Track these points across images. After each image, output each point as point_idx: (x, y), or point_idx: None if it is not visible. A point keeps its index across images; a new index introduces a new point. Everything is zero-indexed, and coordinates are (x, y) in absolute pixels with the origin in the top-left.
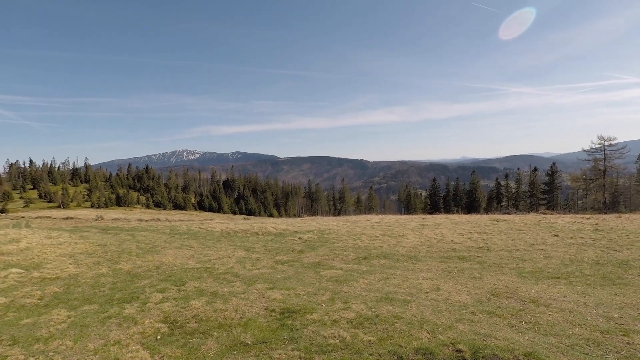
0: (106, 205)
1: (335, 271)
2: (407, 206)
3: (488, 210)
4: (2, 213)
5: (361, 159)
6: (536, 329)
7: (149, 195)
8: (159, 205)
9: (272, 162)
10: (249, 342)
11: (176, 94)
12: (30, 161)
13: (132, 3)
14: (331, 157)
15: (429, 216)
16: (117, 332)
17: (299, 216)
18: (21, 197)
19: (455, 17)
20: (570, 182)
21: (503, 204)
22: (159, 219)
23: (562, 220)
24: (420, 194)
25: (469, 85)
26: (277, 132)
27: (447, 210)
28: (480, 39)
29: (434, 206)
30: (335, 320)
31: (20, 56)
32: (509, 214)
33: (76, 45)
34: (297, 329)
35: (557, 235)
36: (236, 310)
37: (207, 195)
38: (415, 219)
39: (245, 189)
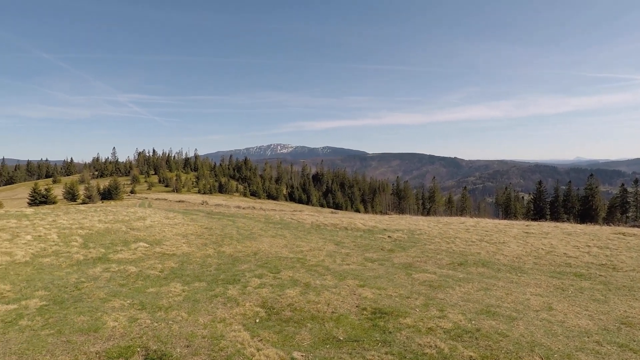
0: (210, 192)
1: (429, 275)
2: (505, 210)
3: (609, 221)
4: (131, 193)
5: (455, 157)
6: None
7: (246, 184)
8: (254, 194)
9: (361, 157)
10: (341, 338)
11: (273, 91)
12: (154, 151)
13: (234, 15)
14: (422, 154)
15: (534, 223)
16: (222, 310)
17: (386, 213)
18: (145, 181)
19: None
20: None
21: (630, 214)
22: (254, 207)
23: None
24: (522, 197)
25: (592, 75)
26: (368, 127)
27: (555, 218)
28: (610, 21)
29: (538, 212)
30: (431, 329)
31: (151, 61)
32: (639, 227)
33: (192, 50)
34: (390, 332)
35: None
36: (328, 304)
37: (297, 187)
38: (517, 225)
39: (333, 183)
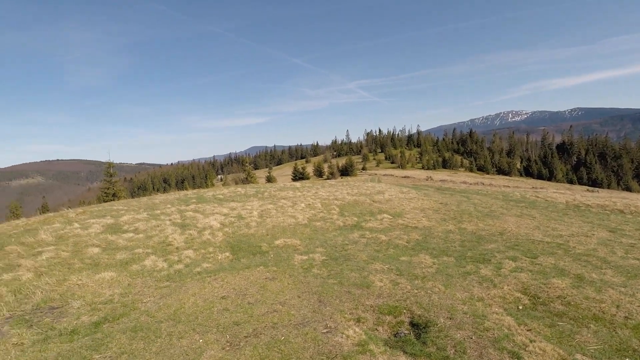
0: (434, 167)
1: None
2: None
3: None
4: (363, 170)
5: None
6: None
7: (472, 159)
8: (481, 169)
9: (632, 117)
10: None
11: (502, 52)
12: (379, 130)
13: None
14: None
15: None
16: (478, 289)
17: None
18: (374, 158)
19: None
20: None
21: None
22: (482, 183)
23: None
24: None
25: None
26: None
27: None
28: None
29: None
30: None
31: (371, 46)
32: None
33: (401, 28)
34: None
35: None
36: (617, 307)
37: (535, 160)
38: None
39: (588, 154)
